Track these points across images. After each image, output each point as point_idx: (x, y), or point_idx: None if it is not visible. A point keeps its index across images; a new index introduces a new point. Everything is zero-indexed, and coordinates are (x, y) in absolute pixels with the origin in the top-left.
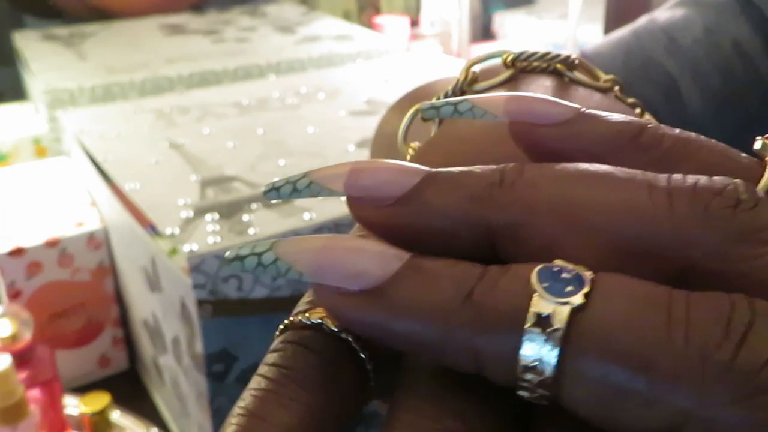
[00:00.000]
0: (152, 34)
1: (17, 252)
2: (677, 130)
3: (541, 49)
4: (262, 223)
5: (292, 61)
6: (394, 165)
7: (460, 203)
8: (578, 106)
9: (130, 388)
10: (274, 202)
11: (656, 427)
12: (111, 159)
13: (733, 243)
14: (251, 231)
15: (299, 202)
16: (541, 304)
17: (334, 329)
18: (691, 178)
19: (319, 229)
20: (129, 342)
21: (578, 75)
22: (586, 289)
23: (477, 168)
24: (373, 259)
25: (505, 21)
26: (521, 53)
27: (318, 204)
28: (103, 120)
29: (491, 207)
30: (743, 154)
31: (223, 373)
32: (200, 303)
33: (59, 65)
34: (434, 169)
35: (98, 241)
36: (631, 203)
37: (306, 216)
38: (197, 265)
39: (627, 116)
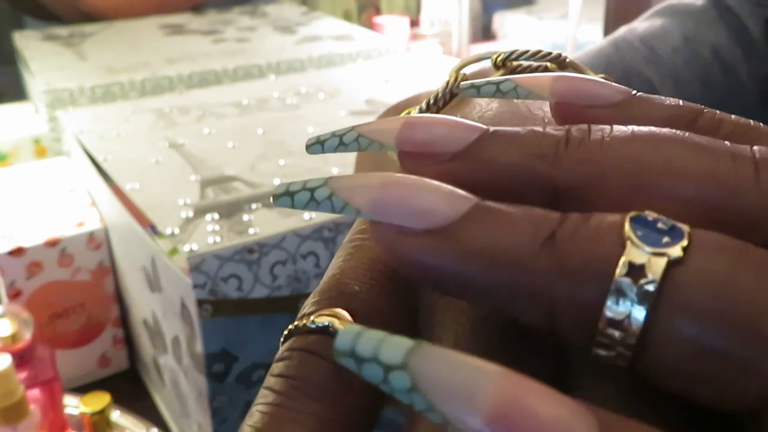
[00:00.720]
0: (152, 34)
1: (17, 252)
2: (734, 117)
3: (532, 48)
4: (262, 223)
5: (292, 61)
6: (450, 120)
7: (525, 161)
8: (628, 88)
9: (130, 388)
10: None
11: (747, 397)
12: (111, 159)
13: None
14: (251, 231)
15: None
16: (635, 253)
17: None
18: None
19: (319, 228)
20: (129, 342)
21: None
22: (684, 242)
23: (539, 127)
24: (442, 197)
25: (505, 21)
26: (511, 52)
27: None
28: (103, 120)
29: (558, 166)
30: None
31: (223, 373)
32: (200, 303)
33: (59, 65)
34: (493, 128)
35: (98, 241)
36: (714, 169)
37: (306, 216)
38: (197, 265)
39: (679, 101)
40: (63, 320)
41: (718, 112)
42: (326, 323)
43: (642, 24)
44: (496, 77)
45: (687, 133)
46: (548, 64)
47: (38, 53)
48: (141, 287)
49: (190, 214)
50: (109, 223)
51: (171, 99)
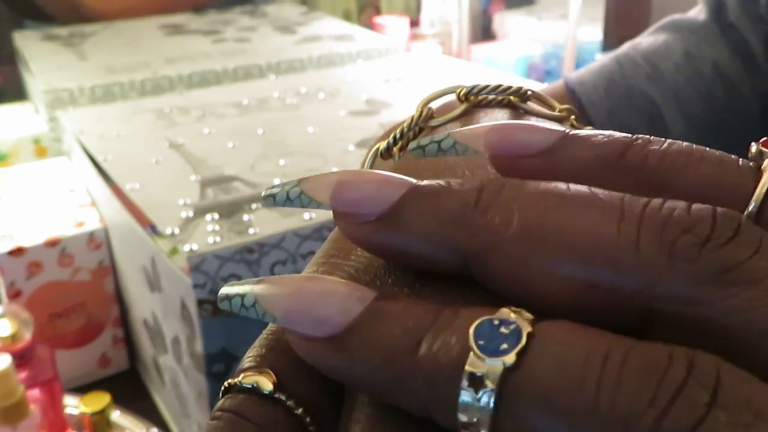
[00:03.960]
0: (152, 34)
1: (17, 252)
2: (670, 143)
3: (494, 83)
4: (262, 223)
5: (292, 61)
6: (379, 177)
7: (436, 227)
8: (563, 128)
9: (130, 388)
10: None
11: None
12: (111, 159)
13: (697, 286)
14: (251, 231)
15: None
16: (476, 363)
17: (267, 392)
18: (668, 207)
19: (319, 228)
20: (129, 342)
21: (532, 106)
22: (520, 347)
23: (457, 183)
24: (336, 304)
25: (505, 21)
26: (474, 87)
27: None
28: (103, 120)
29: (463, 231)
30: (741, 162)
31: (223, 373)
32: (200, 303)
33: (59, 65)
34: (417, 183)
35: (98, 241)
36: (598, 233)
37: (306, 216)
38: (197, 265)
39: (612, 133)
40: (63, 320)
41: (652, 140)
42: (253, 384)
43: (646, 39)
44: (438, 135)
45: (588, 191)
46: (511, 97)
47: (38, 53)
48: (141, 287)
49: (190, 214)
50: (109, 223)
51: (171, 99)
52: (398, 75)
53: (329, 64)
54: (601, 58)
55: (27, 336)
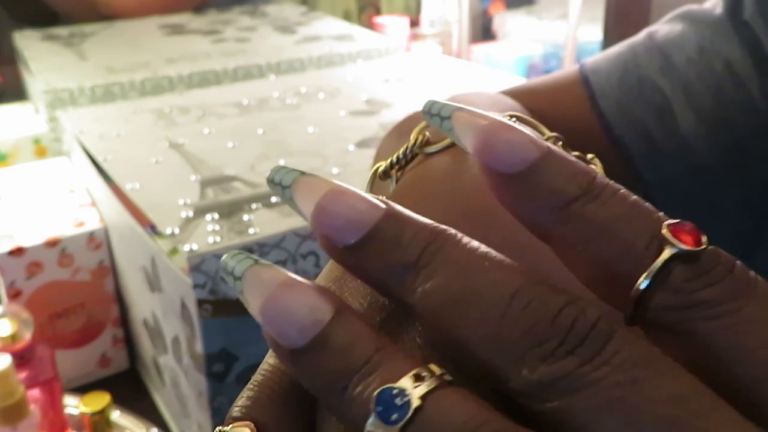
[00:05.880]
0: (152, 34)
1: (17, 252)
2: (612, 200)
3: (488, 112)
4: (262, 223)
5: (292, 61)
6: (353, 208)
7: (383, 275)
8: (545, 144)
9: (130, 388)
10: (273, 200)
11: None
12: (111, 159)
13: (531, 391)
14: (251, 231)
15: None
16: (375, 425)
17: None
18: (540, 314)
19: None
20: (129, 342)
21: None
22: (404, 421)
23: (410, 233)
24: (296, 324)
25: (505, 21)
26: None
27: None
28: (103, 120)
29: (399, 288)
30: (650, 239)
31: (223, 373)
32: (200, 303)
33: (59, 65)
34: (380, 225)
35: (98, 241)
36: (483, 313)
37: None
38: (197, 265)
39: (577, 169)
40: (63, 320)
41: (596, 195)
42: None
43: (663, 28)
44: (447, 108)
45: (500, 262)
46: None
47: (38, 53)
48: (141, 287)
49: (190, 214)
50: (109, 223)
51: (171, 99)
52: (398, 75)
53: (329, 64)
54: (619, 45)
55: (27, 336)
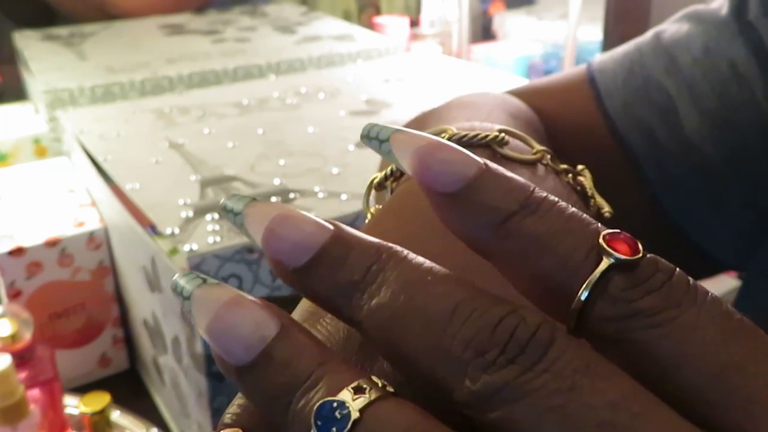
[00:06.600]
0: (152, 34)
1: (17, 252)
2: (549, 212)
3: (476, 131)
4: None
5: (292, 61)
6: (300, 231)
7: (331, 294)
8: (481, 161)
9: (130, 388)
10: (273, 200)
11: None
12: (111, 159)
13: (476, 400)
14: None
15: (299, 201)
16: None
17: None
18: (481, 324)
19: None
20: (129, 342)
21: (507, 151)
22: (347, 430)
23: (356, 252)
24: (241, 341)
25: (505, 21)
26: (457, 134)
27: (318, 203)
28: (103, 120)
29: (347, 307)
30: (590, 249)
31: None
32: None
33: (59, 65)
34: (327, 246)
35: (98, 241)
36: (425, 326)
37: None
38: (197, 265)
39: (515, 185)
40: (63, 320)
41: (533, 211)
42: None
43: (670, 28)
44: (385, 131)
45: (443, 278)
46: (489, 142)
47: (38, 53)
48: (141, 287)
49: (190, 214)
50: (109, 223)
51: (171, 99)
52: (398, 75)
53: (329, 64)
54: (626, 45)
55: (27, 336)
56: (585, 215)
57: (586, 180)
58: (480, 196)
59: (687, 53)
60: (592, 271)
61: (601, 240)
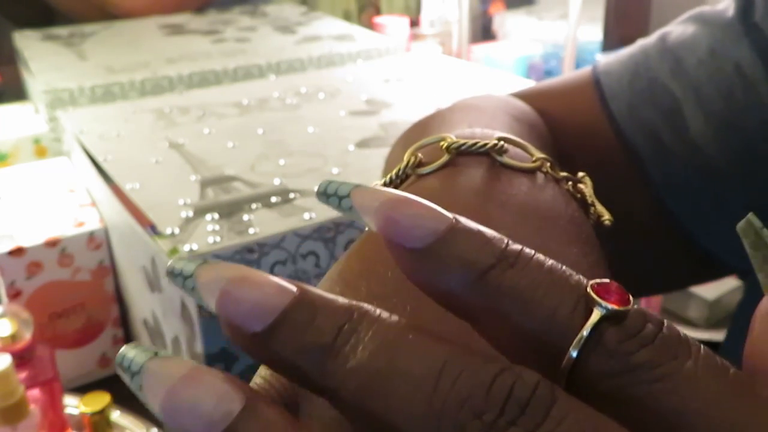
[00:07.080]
0: (152, 34)
1: (17, 252)
2: (530, 266)
3: (476, 139)
4: (262, 223)
5: (292, 61)
6: (259, 293)
7: (298, 360)
8: (450, 217)
9: (130, 388)
10: (273, 200)
11: None
12: (111, 159)
13: None
14: (251, 231)
15: (299, 201)
16: None
17: None
18: (471, 386)
19: (319, 228)
20: (129, 342)
21: (507, 159)
22: None
23: (323, 313)
24: (202, 419)
25: (505, 21)
26: (455, 142)
27: (318, 204)
28: (103, 120)
29: (317, 374)
30: (576, 306)
31: None
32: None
33: (59, 65)
34: (290, 309)
35: (98, 241)
36: (412, 389)
37: (306, 216)
38: None
39: (489, 238)
40: (63, 320)
41: (511, 263)
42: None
43: (676, 29)
44: (345, 187)
45: (420, 342)
46: (489, 150)
47: (38, 53)
48: (141, 287)
49: (190, 214)
50: (109, 223)
51: (171, 99)
52: (398, 75)
53: (329, 64)
54: (631, 46)
55: (27, 336)
56: (565, 267)
57: (587, 188)
58: (453, 251)
59: (692, 55)
60: (582, 325)
61: (589, 290)
